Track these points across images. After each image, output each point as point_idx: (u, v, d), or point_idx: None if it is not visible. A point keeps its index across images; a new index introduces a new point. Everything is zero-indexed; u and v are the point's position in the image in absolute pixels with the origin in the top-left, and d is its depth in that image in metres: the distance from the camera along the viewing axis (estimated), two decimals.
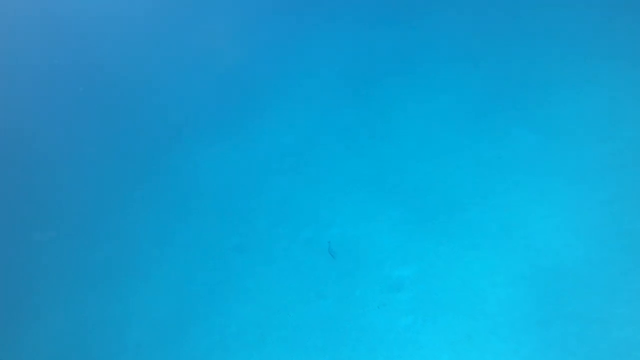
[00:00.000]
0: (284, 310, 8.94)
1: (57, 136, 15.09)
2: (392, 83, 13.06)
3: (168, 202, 12.23)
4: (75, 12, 22.96)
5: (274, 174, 11.87)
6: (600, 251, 7.85)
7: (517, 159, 9.85)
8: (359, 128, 12.25)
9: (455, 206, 9.47)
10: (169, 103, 15.69)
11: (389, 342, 7.89)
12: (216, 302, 9.52)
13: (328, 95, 14.01)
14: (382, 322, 8.16)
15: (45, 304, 10.31)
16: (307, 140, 12.47)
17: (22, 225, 12.47)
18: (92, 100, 16.76)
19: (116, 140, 14.52)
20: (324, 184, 11.05)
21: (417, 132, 11.33)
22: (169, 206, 12.12)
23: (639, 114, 9.60)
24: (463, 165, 10.20)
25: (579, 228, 8.30)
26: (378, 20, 16.75)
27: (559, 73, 11.14)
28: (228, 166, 12.63)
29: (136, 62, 18.13)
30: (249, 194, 11.57)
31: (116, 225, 11.99)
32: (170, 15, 20.81)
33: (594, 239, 8.06)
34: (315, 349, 8.16)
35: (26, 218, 12.64)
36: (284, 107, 13.99)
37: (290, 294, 9.16)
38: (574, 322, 7.20)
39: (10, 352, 9.60)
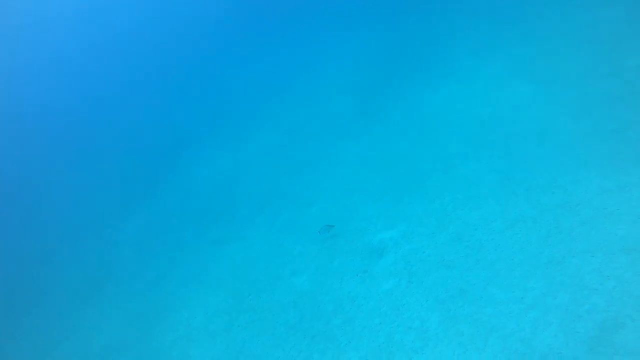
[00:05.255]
0: (255, 293, 7.82)
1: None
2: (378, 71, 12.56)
3: (151, 209, 11.77)
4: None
5: (258, 168, 11.26)
6: (619, 178, 6.39)
7: (511, 110, 8.75)
8: (345, 112, 11.64)
9: (448, 163, 8.33)
10: (168, 124, 15.91)
11: (368, 309, 6.52)
12: (186, 296, 8.56)
13: (316, 89, 13.71)
14: (361, 290, 6.84)
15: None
16: (292, 132, 11.94)
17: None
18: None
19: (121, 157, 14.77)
20: (308, 168, 10.27)
21: (399, 105, 10.57)
22: (150, 213, 11.64)
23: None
24: (452, 123, 9.19)
25: (587, 160, 6.91)
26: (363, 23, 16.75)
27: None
28: (215, 169, 12.19)
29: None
30: (233, 190, 10.95)
31: (100, 230, 11.57)
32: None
33: (608, 167, 6.63)
34: (285, 327, 6.89)
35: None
36: (272, 107, 13.74)
37: (264, 276, 8.08)
38: (594, 255, 5.63)
39: None
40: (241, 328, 7.27)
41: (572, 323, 5.07)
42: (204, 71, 18.01)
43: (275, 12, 19.79)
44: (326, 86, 13.25)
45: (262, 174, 10.80)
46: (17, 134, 19.20)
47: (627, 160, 6.52)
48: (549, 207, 6.57)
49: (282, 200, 9.58)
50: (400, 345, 5.86)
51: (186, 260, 9.35)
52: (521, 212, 6.72)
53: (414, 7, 15.11)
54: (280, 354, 6.56)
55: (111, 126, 16.64)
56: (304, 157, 10.68)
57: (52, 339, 8.98)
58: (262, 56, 17.06)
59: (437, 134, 9.20)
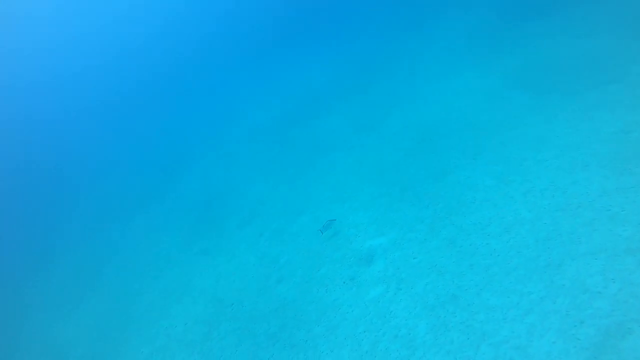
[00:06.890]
0: (238, 302, 7.40)
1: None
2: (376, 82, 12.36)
3: (140, 222, 11.52)
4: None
5: (251, 179, 11.02)
6: (623, 178, 5.96)
7: (508, 118, 8.46)
8: (342, 123, 11.43)
9: (442, 171, 7.99)
10: (164, 140, 15.87)
11: (353, 317, 6.05)
12: (167, 307, 8.17)
13: (310, 100, 13.59)
14: (347, 298, 6.39)
15: None
16: (284, 144, 11.75)
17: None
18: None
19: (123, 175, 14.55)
20: (299, 179, 10.00)
21: (392, 115, 10.32)
22: (139, 225, 11.39)
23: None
24: (447, 132, 8.90)
25: (588, 162, 6.52)
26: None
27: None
28: (207, 181, 11.98)
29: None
30: (224, 201, 10.69)
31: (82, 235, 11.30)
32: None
33: (609, 168, 6.21)
34: (265, 336, 6.42)
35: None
36: (264, 120, 13.60)
37: (248, 286, 7.68)
38: (597, 257, 5.16)
39: None
40: (220, 337, 6.82)
41: (573, 329, 4.55)
42: (199, 86, 18.18)
43: (269, 29, 20.13)
44: (316, 99, 13.15)
45: (254, 185, 10.57)
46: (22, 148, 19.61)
47: (630, 160, 6.11)
48: (547, 209, 6.13)
49: (272, 210, 9.28)
50: (384, 354, 5.35)
51: (171, 272, 9.01)
52: (518, 215, 6.29)
53: (388, 23, 15.26)
54: None
55: (104, 139, 16.75)
56: (295, 168, 10.45)
57: (30, 353, 8.56)
58: (254, 71, 17.16)
59: (431, 143, 8.92)
